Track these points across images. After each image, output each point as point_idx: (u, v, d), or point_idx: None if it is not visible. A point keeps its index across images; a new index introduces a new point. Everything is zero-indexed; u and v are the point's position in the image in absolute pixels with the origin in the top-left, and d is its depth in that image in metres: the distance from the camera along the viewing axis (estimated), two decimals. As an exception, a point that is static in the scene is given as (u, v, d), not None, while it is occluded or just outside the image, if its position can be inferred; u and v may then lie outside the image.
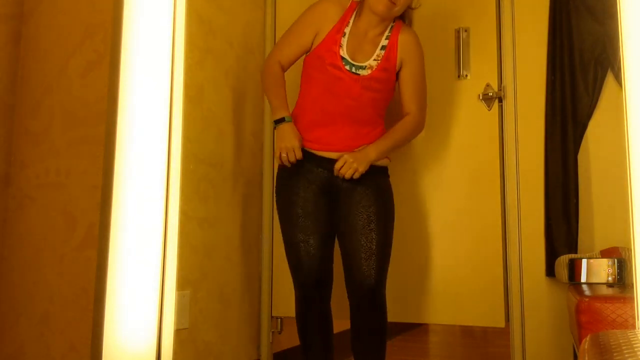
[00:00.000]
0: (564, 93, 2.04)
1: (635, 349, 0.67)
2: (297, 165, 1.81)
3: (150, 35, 1.56)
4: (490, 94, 2.11)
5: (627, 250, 1.72)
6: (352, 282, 1.80)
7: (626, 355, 0.64)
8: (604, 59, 2.02)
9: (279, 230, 2.28)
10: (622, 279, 1.68)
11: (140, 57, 1.54)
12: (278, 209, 1.91)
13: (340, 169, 1.77)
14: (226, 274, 2.08)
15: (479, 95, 2.12)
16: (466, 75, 2.15)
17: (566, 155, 2.01)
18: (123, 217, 1.47)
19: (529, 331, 2.00)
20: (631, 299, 1.21)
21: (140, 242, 1.50)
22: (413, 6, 1.90)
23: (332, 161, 1.80)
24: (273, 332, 2.30)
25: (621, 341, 0.72)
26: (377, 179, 1.84)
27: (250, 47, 2.32)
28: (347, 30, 1.85)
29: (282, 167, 1.88)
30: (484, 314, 2.06)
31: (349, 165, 1.76)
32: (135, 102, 1.52)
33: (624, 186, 1.18)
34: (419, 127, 1.93)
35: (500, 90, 2.11)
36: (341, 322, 1.99)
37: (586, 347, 0.76)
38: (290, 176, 1.85)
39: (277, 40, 2.05)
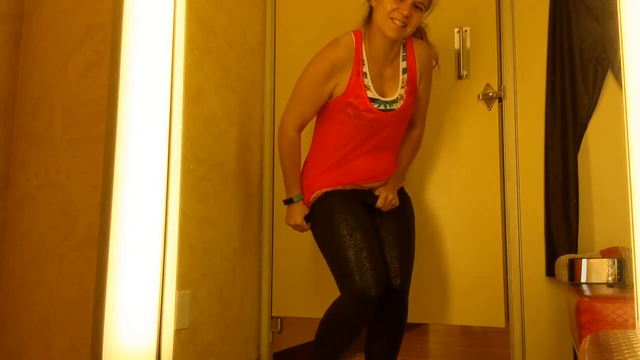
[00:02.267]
0: (564, 93, 2.04)
1: (636, 349, 0.67)
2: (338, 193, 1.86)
3: (150, 35, 1.57)
4: (490, 94, 2.11)
5: (627, 250, 1.72)
6: None
7: (626, 355, 0.64)
8: (604, 59, 2.02)
9: (279, 230, 2.30)
10: (622, 279, 1.68)
11: (140, 57, 1.54)
12: (329, 216, 1.81)
13: (382, 205, 1.88)
14: (226, 274, 2.08)
15: (479, 95, 2.12)
16: (466, 75, 2.15)
17: (566, 155, 2.01)
18: (123, 217, 1.47)
19: (529, 331, 2.00)
20: (631, 299, 1.21)
21: (140, 242, 1.50)
22: (423, 25, 1.90)
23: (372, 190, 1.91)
24: (273, 332, 2.30)
25: (621, 341, 0.72)
26: (401, 194, 1.97)
27: (250, 47, 2.32)
28: (365, 69, 1.81)
29: (323, 196, 1.86)
30: (484, 314, 2.06)
31: (389, 201, 1.89)
32: (135, 102, 1.52)
33: (624, 186, 1.18)
34: (422, 136, 2.02)
35: (500, 90, 2.11)
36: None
37: (586, 347, 0.76)
38: (333, 196, 1.85)
39: (289, 100, 1.89)
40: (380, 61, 1.83)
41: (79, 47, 1.68)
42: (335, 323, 1.75)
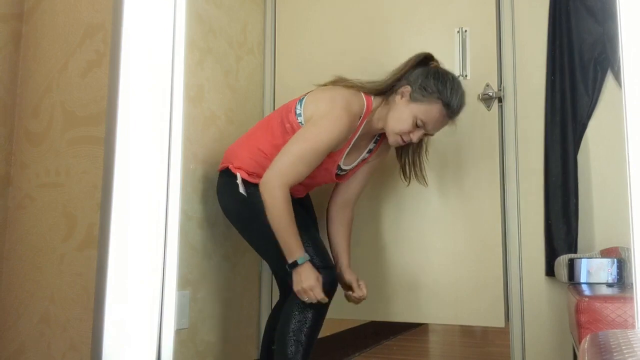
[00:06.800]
0: (564, 93, 2.04)
1: (635, 349, 0.67)
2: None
3: (150, 35, 1.57)
4: (490, 94, 2.11)
5: (626, 250, 1.72)
6: None
7: (626, 355, 0.64)
8: (604, 59, 2.02)
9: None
10: (621, 279, 1.68)
11: (140, 57, 1.54)
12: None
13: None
14: (226, 274, 2.08)
15: (479, 95, 2.12)
16: (466, 76, 2.15)
17: (566, 155, 2.01)
18: (123, 217, 1.47)
19: (528, 331, 2.00)
20: (631, 299, 1.21)
21: (141, 242, 1.50)
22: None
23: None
24: (273, 332, 2.30)
25: (621, 341, 0.72)
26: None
27: (250, 47, 2.32)
28: (354, 140, 1.80)
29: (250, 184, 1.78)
30: (484, 313, 2.06)
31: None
32: (136, 102, 1.52)
33: (623, 186, 1.18)
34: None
35: (500, 90, 2.11)
36: (341, 322, 1.99)
37: (586, 346, 0.76)
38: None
39: (297, 154, 1.67)
40: (364, 137, 1.84)
41: (79, 47, 1.69)
42: (312, 337, 1.71)
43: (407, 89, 1.74)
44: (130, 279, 1.48)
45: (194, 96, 1.96)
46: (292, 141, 1.70)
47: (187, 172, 1.87)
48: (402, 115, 1.73)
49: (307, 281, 1.63)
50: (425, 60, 1.81)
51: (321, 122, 1.68)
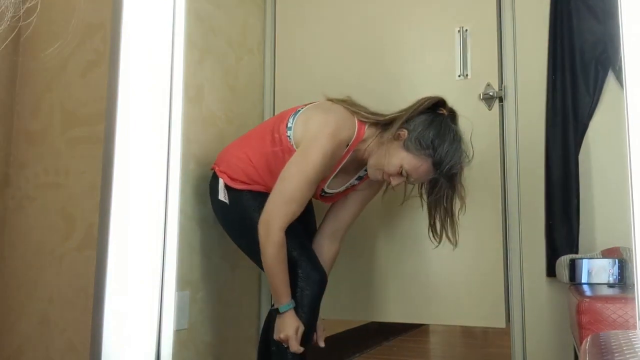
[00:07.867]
0: (565, 93, 2.04)
1: (637, 350, 0.66)
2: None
3: (150, 34, 1.56)
4: (491, 93, 2.11)
5: (628, 250, 1.71)
6: None
7: (627, 356, 0.64)
8: (605, 59, 2.01)
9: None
10: (623, 279, 1.67)
11: (140, 56, 1.54)
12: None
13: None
14: (225, 274, 2.08)
15: (480, 94, 2.12)
16: (467, 75, 2.14)
17: (567, 155, 2.01)
18: (122, 217, 1.47)
19: (529, 331, 2.00)
20: (632, 300, 1.21)
21: (140, 242, 1.50)
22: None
23: None
24: (273, 332, 2.29)
25: (622, 342, 0.72)
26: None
27: (249, 47, 2.32)
28: (340, 166, 1.75)
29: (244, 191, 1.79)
30: (485, 314, 2.05)
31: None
32: (135, 101, 1.52)
33: (624, 186, 1.17)
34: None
35: (501, 90, 2.11)
36: (341, 322, 1.99)
37: (587, 347, 0.76)
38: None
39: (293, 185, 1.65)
40: (353, 163, 1.79)
41: (79, 47, 1.68)
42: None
43: (403, 133, 1.66)
44: (130, 279, 1.47)
45: (194, 96, 1.96)
46: (284, 179, 1.67)
47: (186, 172, 1.86)
48: (390, 158, 1.66)
49: (286, 331, 1.63)
50: (435, 106, 1.72)
51: (308, 152, 1.65)
